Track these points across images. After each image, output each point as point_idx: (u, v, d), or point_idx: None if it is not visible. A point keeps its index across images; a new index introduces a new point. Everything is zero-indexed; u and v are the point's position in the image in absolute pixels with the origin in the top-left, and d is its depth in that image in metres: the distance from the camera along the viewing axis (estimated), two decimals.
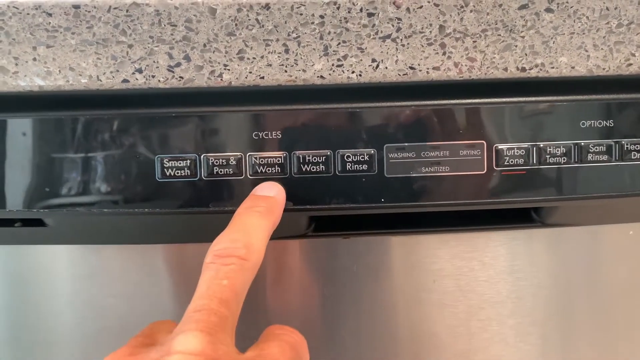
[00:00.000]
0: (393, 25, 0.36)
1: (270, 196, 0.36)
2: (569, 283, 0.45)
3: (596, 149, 0.38)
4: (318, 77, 0.37)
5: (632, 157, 0.39)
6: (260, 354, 0.31)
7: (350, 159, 0.38)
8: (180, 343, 0.28)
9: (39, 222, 0.40)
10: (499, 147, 0.38)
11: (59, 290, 0.44)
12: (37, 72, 0.35)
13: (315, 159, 0.38)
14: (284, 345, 0.32)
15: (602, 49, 0.37)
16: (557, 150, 0.38)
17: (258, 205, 0.35)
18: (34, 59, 0.35)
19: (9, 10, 0.34)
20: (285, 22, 0.35)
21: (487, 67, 0.37)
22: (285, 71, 0.36)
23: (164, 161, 0.37)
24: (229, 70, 0.36)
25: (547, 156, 0.38)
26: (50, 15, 0.34)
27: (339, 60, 0.36)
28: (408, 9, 0.35)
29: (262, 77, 0.36)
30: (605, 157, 0.38)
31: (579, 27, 0.37)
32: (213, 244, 0.33)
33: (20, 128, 0.37)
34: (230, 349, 0.29)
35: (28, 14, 0.34)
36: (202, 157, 0.37)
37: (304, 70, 0.36)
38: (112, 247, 0.43)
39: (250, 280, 0.32)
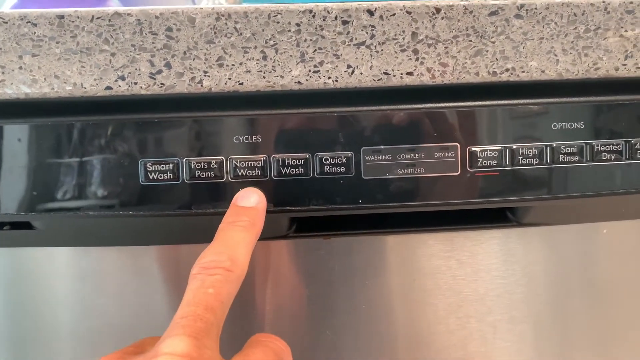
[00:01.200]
0: (367, 33, 0.37)
1: (251, 207, 0.37)
2: (545, 281, 0.46)
3: (567, 150, 0.40)
4: (295, 82, 0.38)
5: (603, 158, 0.40)
6: (245, 359, 0.32)
7: (328, 162, 0.39)
8: (167, 346, 0.29)
9: (27, 225, 0.41)
10: (473, 149, 0.39)
11: (51, 291, 0.45)
12: (23, 80, 0.37)
13: (294, 162, 0.39)
14: (268, 351, 0.33)
15: (570, 53, 0.38)
16: (530, 152, 0.39)
17: (240, 219, 0.37)
18: (20, 68, 0.37)
19: None
20: (263, 30, 0.37)
21: (459, 72, 0.38)
22: (264, 77, 0.38)
23: (147, 165, 0.38)
24: (208, 76, 0.37)
25: (520, 157, 0.39)
26: (35, 25, 0.36)
27: (315, 66, 0.38)
28: (381, 17, 0.37)
29: (241, 83, 0.38)
30: (576, 158, 0.40)
31: (548, 32, 0.38)
32: (199, 258, 0.34)
33: (8, 134, 0.38)
34: (214, 354, 0.30)
35: (14, 24, 0.36)
36: (184, 160, 0.38)
37: (281, 76, 0.38)
38: (103, 248, 0.44)
39: (234, 292, 0.34)
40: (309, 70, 0.38)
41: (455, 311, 0.46)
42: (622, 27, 0.38)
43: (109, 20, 0.36)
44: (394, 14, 0.37)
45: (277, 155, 0.39)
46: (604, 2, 0.38)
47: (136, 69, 0.37)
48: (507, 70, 0.38)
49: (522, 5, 0.37)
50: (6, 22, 0.35)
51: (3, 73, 0.36)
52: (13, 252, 0.45)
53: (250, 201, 0.38)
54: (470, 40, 0.38)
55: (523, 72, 0.39)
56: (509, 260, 0.46)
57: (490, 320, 0.46)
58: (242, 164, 0.39)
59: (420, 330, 0.46)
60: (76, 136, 0.38)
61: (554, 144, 0.39)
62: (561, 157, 0.40)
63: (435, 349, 0.46)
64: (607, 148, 0.40)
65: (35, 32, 0.36)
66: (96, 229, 0.42)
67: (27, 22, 0.36)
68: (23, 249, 0.45)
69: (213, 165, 0.38)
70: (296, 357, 0.46)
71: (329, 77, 0.38)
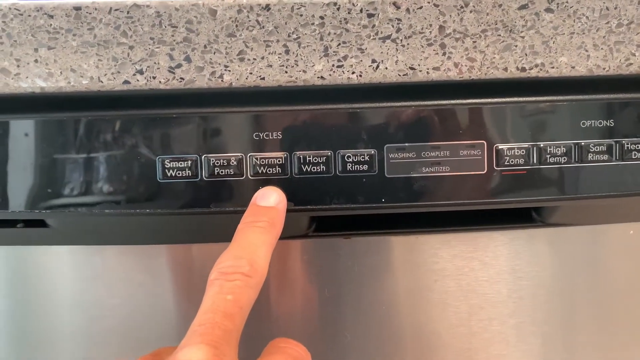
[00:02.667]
0: (393, 26, 0.36)
1: (271, 207, 0.36)
2: (570, 283, 0.45)
3: (596, 148, 0.38)
4: (318, 77, 0.37)
5: (633, 157, 0.39)
6: None
7: (350, 159, 0.38)
8: (185, 355, 0.28)
9: (41, 223, 0.40)
10: (500, 147, 0.38)
11: (63, 291, 0.44)
12: (38, 73, 0.36)
13: (315, 160, 0.38)
14: (288, 358, 0.32)
15: (602, 48, 0.37)
16: (558, 150, 0.38)
17: (259, 219, 0.35)
18: (36, 61, 0.35)
19: (11, 12, 0.34)
20: (286, 23, 0.36)
21: (487, 67, 0.37)
22: (286, 72, 0.36)
23: (165, 162, 0.37)
24: (229, 71, 0.36)
25: (548, 156, 0.38)
26: (51, 17, 0.35)
27: (339, 60, 0.36)
28: (408, 10, 0.36)
29: (263, 78, 0.36)
30: (605, 157, 0.38)
31: (579, 27, 0.37)
32: (217, 262, 0.33)
33: (22, 129, 0.37)
34: None
35: (29, 15, 0.35)
36: (203, 157, 0.37)
37: (304, 71, 0.37)
38: (116, 248, 0.43)
39: (254, 297, 0.33)
40: (333, 65, 0.37)
41: (477, 313, 0.45)
42: None
43: (128, 12, 0.35)
44: (420, 7, 0.36)
45: (298, 152, 0.38)
46: None
47: (155, 63, 0.36)
48: (537, 66, 0.37)
49: None
50: (22, 14, 0.34)
51: (18, 66, 0.35)
52: (25, 251, 0.44)
53: (270, 200, 0.36)
54: (499, 35, 0.37)
55: (552, 67, 0.37)
56: (533, 262, 0.44)
57: (513, 323, 0.45)
58: (262, 161, 0.37)
59: (441, 332, 0.45)
60: (92, 132, 0.37)
61: (583, 142, 0.38)
62: (590, 156, 0.38)
63: (456, 352, 0.45)
64: (638, 147, 0.39)
65: (51, 24, 0.35)
66: (111, 228, 0.41)
67: (43, 14, 0.35)
68: (35, 249, 0.44)
69: (232, 163, 0.37)
70: (314, 358, 0.45)
71: (353, 72, 0.37)
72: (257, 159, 0.37)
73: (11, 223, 0.40)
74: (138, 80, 0.36)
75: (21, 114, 0.37)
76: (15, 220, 0.40)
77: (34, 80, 0.36)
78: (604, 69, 0.38)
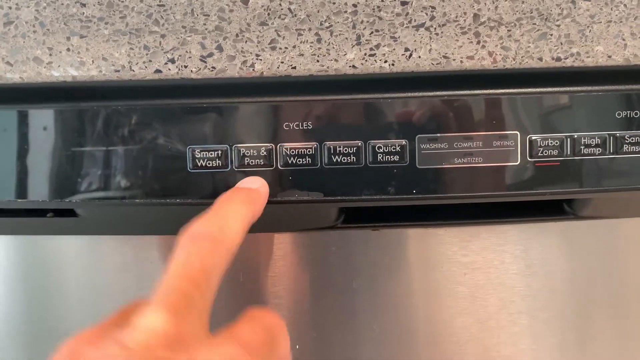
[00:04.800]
0: (427, 14, 0.35)
1: (253, 188, 0.36)
2: (603, 276, 0.44)
3: (632, 139, 0.38)
4: (350, 66, 0.36)
5: None
6: (230, 335, 0.30)
7: (381, 150, 0.37)
8: (145, 322, 0.27)
9: (70, 213, 0.40)
10: (533, 137, 0.37)
11: (91, 282, 0.44)
12: (70, 62, 0.35)
13: (346, 150, 0.37)
14: (256, 327, 0.31)
15: (639, 37, 0.37)
16: (592, 141, 0.38)
17: (238, 194, 0.35)
18: (68, 49, 0.35)
19: (44, 1, 0.34)
20: (318, 11, 0.35)
21: (522, 57, 0.36)
22: (317, 61, 0.36)
23: (196, 152, 0.37)
24: (260, 60, 0.36)
25: (582, 147, 0.37)
26: (84, 5, 0.35)
27: (371, 49, 0.36)
28: None
29: (294, 67, 0.36)
30: None
31: (616, 15, 0.36)
32: (189, 225, 0.32)
33: (52, 119, 0.37)
34: (197, 329, 0.28)
35: (62, 4, 0.34)
36: (233, 147, 0.37)
37: (336, 60, 0.36)
38: (144, 238, 0.43)
39: (224, 265, 0.31)
40: (365, 54, 0.36)
41: (506, 307, 0.44)
42: None
43: (159, 1, 0.35)
44: None
45: (329, 142, 0.37)
46: None
47: (186, 52, 0.36)
48: (572, 55, 0.37)
49: None
50: (54, 2, 0.34)
51: (50, 55, 0.35)
52: (54, 241, 0.44)
53: (253, 185, 0.36)
54: (534, 24, 0.36)
55: (588, 57, 0.37)
56: (565, 255, 0.44)
57: (543, 317, 0.44)
58: (292, 152, 0.37)
59: (470, 325, 0.44)
60: (123, 122, 0.37)
61: (618, 133, 0.38)
62: (625, 147, 0.38)
63: (484, 346, 0.45)
64: None
65: (83, 13, 0.35)
66: (141, 218, 0.41)
67: (75, 2, 0.34)
68: (64, 238, 0.44)
69: (262, 153, 0.37)
70: (342, 352, 0.44)
71: (385, 61, 0.36)
72: (287, 149, 0.37)
73: (41, 212, 0.40)
74: (170, 70, 0.36)
75: (51, 104, 0.37)
76: (45, 210, 0.40)
77: (65, 69, 0.36)
78: None
